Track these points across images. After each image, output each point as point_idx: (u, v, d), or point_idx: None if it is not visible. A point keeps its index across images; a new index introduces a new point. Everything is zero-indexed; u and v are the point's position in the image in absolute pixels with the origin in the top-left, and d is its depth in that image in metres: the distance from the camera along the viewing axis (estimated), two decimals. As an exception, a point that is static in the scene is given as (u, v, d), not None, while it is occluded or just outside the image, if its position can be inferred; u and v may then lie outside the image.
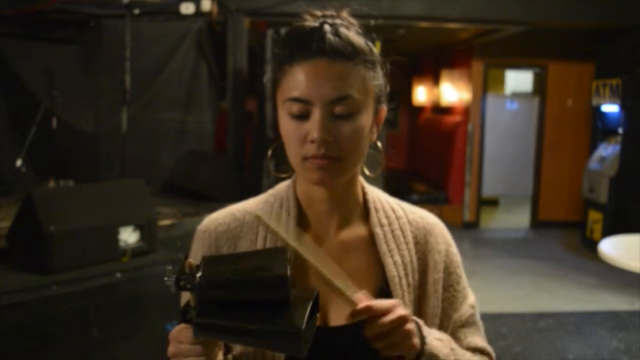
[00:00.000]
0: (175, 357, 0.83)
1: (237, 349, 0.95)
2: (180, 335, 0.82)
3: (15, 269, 2.86)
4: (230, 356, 0.90)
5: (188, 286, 0.78)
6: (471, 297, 1.07)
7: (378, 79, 0.95)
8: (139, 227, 3.14)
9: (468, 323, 1.05)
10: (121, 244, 3.06)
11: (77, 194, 3.20)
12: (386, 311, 0.84)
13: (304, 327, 0.74)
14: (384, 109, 0.98)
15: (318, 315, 0.84)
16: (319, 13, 0.94)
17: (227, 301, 0.78)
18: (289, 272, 0.76)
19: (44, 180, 4.27)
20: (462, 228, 7.64)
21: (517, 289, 5.30)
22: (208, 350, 0.82)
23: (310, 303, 0.78)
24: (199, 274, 0.77)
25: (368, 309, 0.83)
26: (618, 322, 4.41)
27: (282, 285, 0.76)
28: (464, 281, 1.07)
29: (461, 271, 1.07)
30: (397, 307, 0.85)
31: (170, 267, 0.79)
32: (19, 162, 3.89)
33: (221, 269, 0.79)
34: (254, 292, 0.77)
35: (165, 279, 0.79)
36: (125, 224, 3.08)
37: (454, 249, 1.07)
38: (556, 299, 5.01)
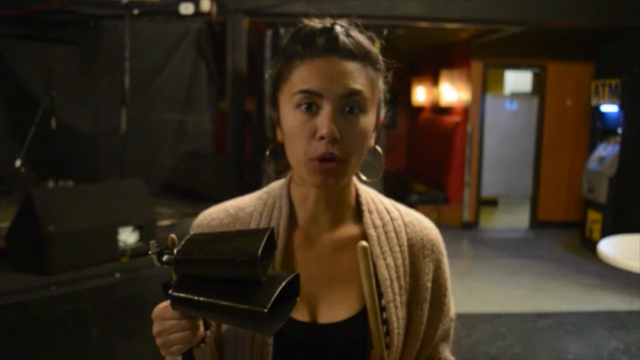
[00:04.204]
0: (160, 335, 0.85)
1: (224, 325, 0.97)
2: (165, 312, 0.84)
3: (14, 270, 2.87)
4: (208, 332, 0.91)
5: (168, 259, 0.82)
6: (453, 310, 1.09)
7: (382, 85, 0.97)
8: (138, 227, 3.15)
9: (447, 336, 1.08)
10: (120, 244, 3.06)
11: (76, 194, 3.21)
12: None
13: (268, 306, 0.76)
14: (382, 116, 1.00)
15: (298, 299, 0.85)
16: (328, 18, 0.95)
17: (204, 277, 0.82)
18: (259, 252, 0.77)
19: (43, 180, 4.27)
20: (462, 228, 7.64)
21: (517, 289, 5.30)
22: (193, 324, 0.85)
23: (282, 284, 0.80)
24: (176, 249, 0.81)
25: None
26: (617, 322, 4.41)
27: (252, 264, 0.77)
28: (450, 293, 1.08)
29: (449, 283, 1.07)
30: None
31: (154, 242, 0.83)
32: (18, 163, 3.88)
33: (200, 246, 0.82)
34: (226, 270, 0.80)
35: (149, 252, 0.83)
36: (125, 224, 3.08)
37: (446, 260, 1.07)
38: (556, 299, 5.01)
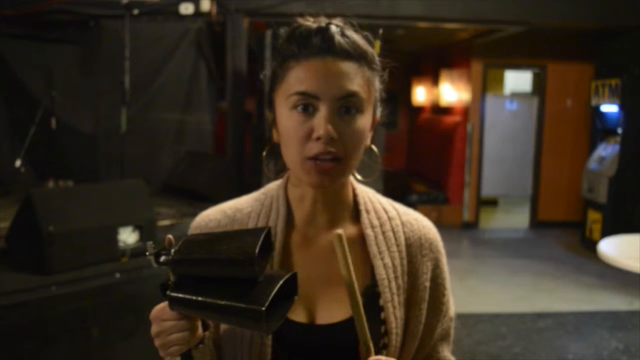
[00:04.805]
0: (158, 335, 0.85)
1: (223, 326, 0.97)
2: (163, 313, 0.84)
3: (14, 270, 2.86)
4: (207, 333, 0.91)
5: (165, 260, 0.82)
6: (452, 310, 1.08)
7: (378, 85, 0.96)
8: (138, 227, 3.14)
9: (446, 336, 1.07)
10: (120, 244, 3.06)
11: (76, 194, 3.21)
12: None
13: (266, 304, 0.76)
14: (378, 115, 0.99)
15: (295, 298, 0.86)
16: (323, 17, 0.95)
17: (202, 277, 0.82)
18: (257, 250, 0.77)
19: (44, 180, 4.27)
20: (462, 228, 7.64)
21: (517, 288, 5.30)
22: (191, 325, 0.84)
23: (280, 283, 0.79)
24: (174, 249, 0.81)
25: None
26: (617, 322, 4.41)
27: (250, 263, 0.78)
28: (449, 292, 1.07)
29: (448, 283, 1.07)
30: None
31: (151, 243, 0.83)
32: (18, 163, 3.89)
33: (197, 246, 0.82)
34: (224, 269, 0.80)
35: (147, 253, 0.83)
36: (125, 224, 3.08)
37: (444, 259, 1.07)
38: (556, 299, 5.01)
